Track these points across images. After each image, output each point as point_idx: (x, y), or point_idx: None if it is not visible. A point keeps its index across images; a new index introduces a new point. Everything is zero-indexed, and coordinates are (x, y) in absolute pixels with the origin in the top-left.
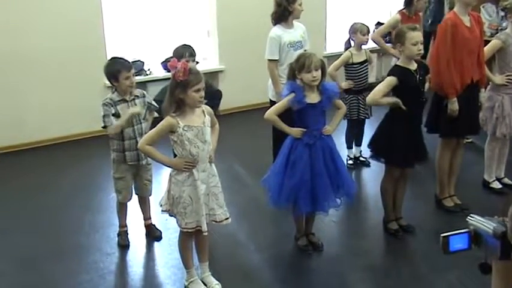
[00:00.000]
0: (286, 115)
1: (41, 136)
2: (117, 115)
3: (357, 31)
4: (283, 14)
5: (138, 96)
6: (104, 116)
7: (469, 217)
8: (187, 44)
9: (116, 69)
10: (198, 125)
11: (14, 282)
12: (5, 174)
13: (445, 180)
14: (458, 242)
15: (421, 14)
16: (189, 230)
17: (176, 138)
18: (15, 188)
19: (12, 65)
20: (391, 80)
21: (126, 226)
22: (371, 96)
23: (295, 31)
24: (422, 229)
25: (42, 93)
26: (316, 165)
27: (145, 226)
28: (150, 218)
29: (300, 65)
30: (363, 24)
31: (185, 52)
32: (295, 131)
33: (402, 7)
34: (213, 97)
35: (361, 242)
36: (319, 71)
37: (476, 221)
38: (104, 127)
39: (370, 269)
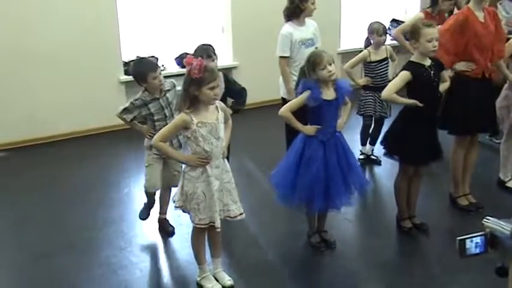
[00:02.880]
0: (299, 113)
1: (53, 131)
2: (144, 115)
3: (374, 32)
4: (294, 11)
5: (169, 89)
6: (125, 109)
7: (484, 219)
8: (206, 44)
9: (143, 71)
10: (212, 122)
11: (27, 275)
12: (18, 169)
13: (460, 178)
14: (474, 245)
15: (446, 14)
16: (202, 226)
17: (190, 134)
18: (28, 182)
19: (25, 60)
20: (405, 75)
21: (165, 213)
22: (385, 92)
23: (307, 28)
24: (436, 228)
25: (55, 89)
26: (329, 162)
27: (159, 220)
28: (166, 213)
29: (312, 64)
30: (380, 23)
31: (205, 53)
32: (309, 129)
33: (428, 5)
34: (239, 95)
35: (374, 240)
36: (333, 66)
37: (493, 223)
38: (121, 114)
39: (382, 268)
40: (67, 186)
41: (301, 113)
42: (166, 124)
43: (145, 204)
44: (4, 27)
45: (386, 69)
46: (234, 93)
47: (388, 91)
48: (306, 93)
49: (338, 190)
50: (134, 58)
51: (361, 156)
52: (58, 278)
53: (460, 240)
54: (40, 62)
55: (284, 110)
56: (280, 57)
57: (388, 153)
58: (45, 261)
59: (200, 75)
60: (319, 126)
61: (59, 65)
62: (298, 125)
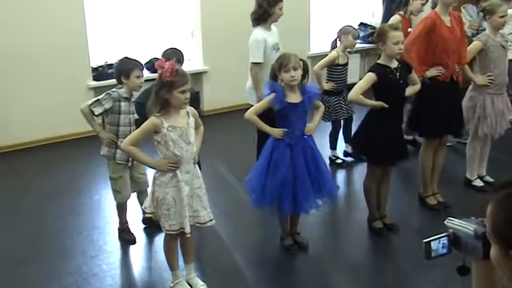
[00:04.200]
0: (269, 116)
1: (24, 137)
2: (115, 111)
3: (349, 33)
4: (262, 16)
5: (137, 101)
6: (97, 100)
7: (447, 220)
8: (177, 48)
9: (129, 67)
10: (182, 126)
11: None
12: None
13: (428, 178)
14: (439, 246)
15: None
16: (173, 232)
17: (160, 138)
18: None
19: None
20: (370, 76)
21: (127, 222)
22: (352, 93)
23: (273, 33)
24: (406, 227)
25: (25, 94)
26: (297, 165)
27: (147, 218)
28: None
29: (279, 64)
30: (355, 28)
31: (173, 57)
32: (277, 131)
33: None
34: (193, 99)
35: (346, 241)
36: (298, 71)
37: (455, 223)
38: (91, 105)
39: (355, 269)
40: (37, 194)
41: (271, 116)
42: (130, 131)
43: (120, 228)
44: None
45: (347, 73)
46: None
47: (355, 93)
48: (271, 96)
49: (306, 193)
50: (103, 64)
51: (334, 160)
52: (29, 287)
53: (425, 242)
54: (7, 68)
55: (249, 113)
56: (254, 63)
57: (356, 154)
58: (15, 270)
59: (171, 78)
60: (286, 129)
61: (26, 70)
62: (265, 127)
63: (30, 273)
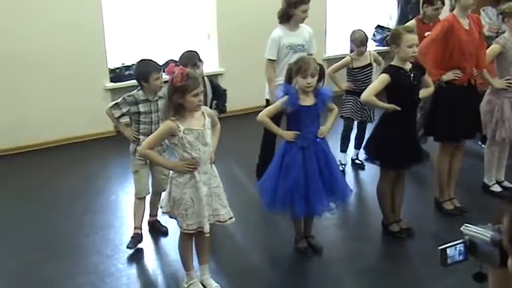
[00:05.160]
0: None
1: (40, 139)
2: (133, 112)
3: (352, 42)
4: (284, 16)
5: (161, 97)
6: (115, 104)
7: (463, 227)
8: (192, 50)
9: (148, 70)
10: (199, 128)
11: (14, 282)
12: (6, 175)
13: (445, 182)
14: (455, 253)
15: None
16: (190, 232)
17: (177, 141)
18: (16, 189)
19: (14, 66)
20: (384, 77)
21: (141, 229)
22: (365, 94)
23: (300, 34)
24: (422, 232)
25: (43, 95)
26: (309, 168)
27: (150, 223)
28: (157, 215)
29: (297, 68)
30: (361, 32)
31: (190, 62)
32: (289, 134)
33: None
34: (222, 96)
35: (360, 244)
36: (315, 78)
37: (472, 230)
38: (110, 109)
39: (369, 272)
40: (54, 194)
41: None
42: (152, 129)
43: (133, 234)
44: None
45: (370, 75)
46: (219, 95)
47: (367, 93)
48: (284, 98)
49: (318, 196)
50: (120, 65)
51: (342, 164)
52: (45, 285)
53: (441, 249)
54: (27, 69)
55: (262, 115)
56: (268, 59)
57: (369, 157)
58: (33, 269)
59: (183, 83)
60: (298, 132)
61: (45, 72)
62: (277, 130)
63: (48, 272)
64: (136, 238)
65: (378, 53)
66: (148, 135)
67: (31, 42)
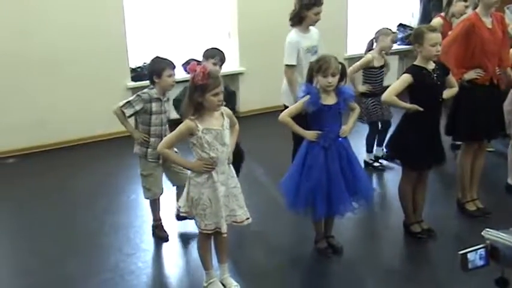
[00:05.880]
0: (304, 118)
1: (62, 137)
2: (147, 111)
3: (389, 36)
4: (296, 18)
5: (168, 99)
6: (128, 102)
7: (484, 231)
8: (218, 48)
9: (161, 66)
10: (217, 128)
11: (37, 281)
12: (27, 175)
13: (467, 183)
14: (476, 258)
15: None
16: (209, 232)
17: (195, 141)
18: (37, 189)
19: (36, 66)
20: (406, 77)
21: (160, 220)
22: (386, 94)
23: (312, 35)
24: (444, 234)
25: (64, 95)
26: (331, 168)
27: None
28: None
29: (318, 67)
30: (395, 32)
31: (216, 56)
32: (311, 134)
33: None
34: (229, 99)
35: (381, 245)
36: (336, 77)
37: (493, 235)
38: (122, 107)
39: (389, 273)
40: (75, 192)
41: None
42: (162, 130)
43: (153, 225)
44: (13, 34)
45: (383, 76)
46: (228, 97)
47: (388, 94)
48: (305, 98)
49: (340, 196)
50: (141, 64)
51: (370, 163)
52: (67, 283)
53: (461, 254)
54: (48, 69)
55: (283, 115)
56: (287, 65)
57: (390, 157)
58: (54, 267)
59: (204, 81)
60: (320, 132)
61: (66, 72)
62: (299, 130)
63: (69, 271)
64: (159, 226)
65: (400, 52)
66: (159, 137)
67: (53, 42)
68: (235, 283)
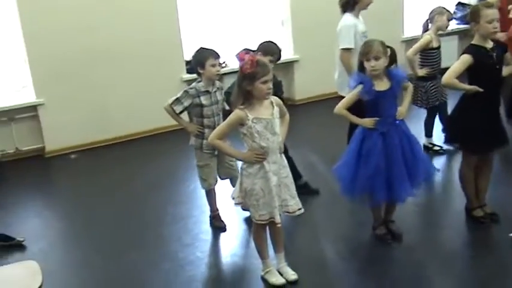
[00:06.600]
0: (356, 106)
1: (123, 131)
2: (197, 104)
3: (444, 14)
4: (348, 2)
5: (218, 88)
6: (176, 99)
7: None
8: (276, 44)
9: (204, 56)
10: (267, 117)
11: (99, 272)
12: (89, 170)
13: None
14: None
15: None
16: (263, 222)
17: (246, 130)
18: (99, 182)
19: (98, 64)
20: (466, 58)
21: (217, 210)
22: (446, 77)
23: (362, 21)
24: (508, 217)
25: (125, 90)
26: (392, 153)
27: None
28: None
29: (361, 51)
30: (449, 11)
31: (274, 54)
32: (368, 121)
33: None
34: (277, 88)
35: (442, 231)
36: (381, 61)
37: None
38: (171, 105)
39: (450, 260)
40: (136, 185)
41: (359, 106)
42: (215, 121)
43: (211, 215)
44: (73, 30)
45: (441, 56)
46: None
47: (449, 76)
48: (358, 88)
49: (401, 181)
50: None
51: (429, 148)
52: (128, 274)
53: None
54: (107, 64)
55: (339, 108)
56: (344, 49)
57: (449, 141)
58: (117, 257)
59: (252, 69)
60: (377, 118)
61: (125, 66)
62: (356, 119)
63: (130, 261)
64: (217, 216)
65: (459, 31)
66: (213, 128)
67: (111, 38)
68: (293, 272)
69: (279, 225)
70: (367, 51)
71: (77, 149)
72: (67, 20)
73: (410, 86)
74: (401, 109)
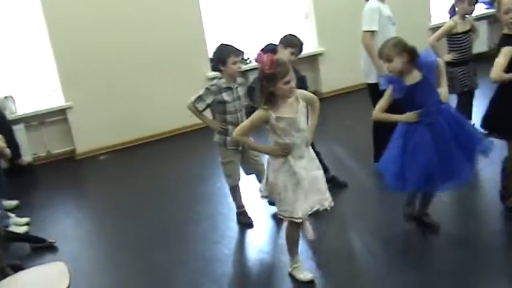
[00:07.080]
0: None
1: (153, 130)
2: (220, 101)
3: (465, 1)
4: None
5: (240, 84)
6: (198, 97)
7: None
8: (298, 37)
9: (226, 53)
10: (290, 116)
11: (128, 271)
12: (117, 170)
13: None
14: None
15: None
16: (296, 220)
17: (270, 127)
18: (128, 182)
19: (123, 63)
20: (508, 50)
21: (243, 206)
22: (493, 73)
23: (388, 7)
24: None
25: (153, 89)
26: (444, 142)
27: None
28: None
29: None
30: None
31: (296, 46)
32: (410, 116)
33: None
34: (300, 83)
35: (480, 222)
36: (395, 61)
37: None
38: (194, 102)
39: (488, 252)
40: (163, 184)
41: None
42: (238, 117)
43: (237, 212)
44: (100, 36)
45: (471, 42)
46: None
47: (496, 71)
48: (389, 89)
49: (460, 166)
50: None
51: None
52: (156, 273)
53: None
54: (133, 66)
55: (375, 113)
56: (366, 31)
57: (490, 133)
58: (145, 255)
59: (272, 70)
60: (419, 111)
61: (153, 66)
62: (396, 118)
63: (159, 260)
64: (243, 213)
65: (488, 15)
66: (236, 124)
67: (138, 39)
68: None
69: (299, 220)
70: (379, 52)
71: (105, 150)
72: (94, 26)
73: (440, 64)
74: (443, 90)
